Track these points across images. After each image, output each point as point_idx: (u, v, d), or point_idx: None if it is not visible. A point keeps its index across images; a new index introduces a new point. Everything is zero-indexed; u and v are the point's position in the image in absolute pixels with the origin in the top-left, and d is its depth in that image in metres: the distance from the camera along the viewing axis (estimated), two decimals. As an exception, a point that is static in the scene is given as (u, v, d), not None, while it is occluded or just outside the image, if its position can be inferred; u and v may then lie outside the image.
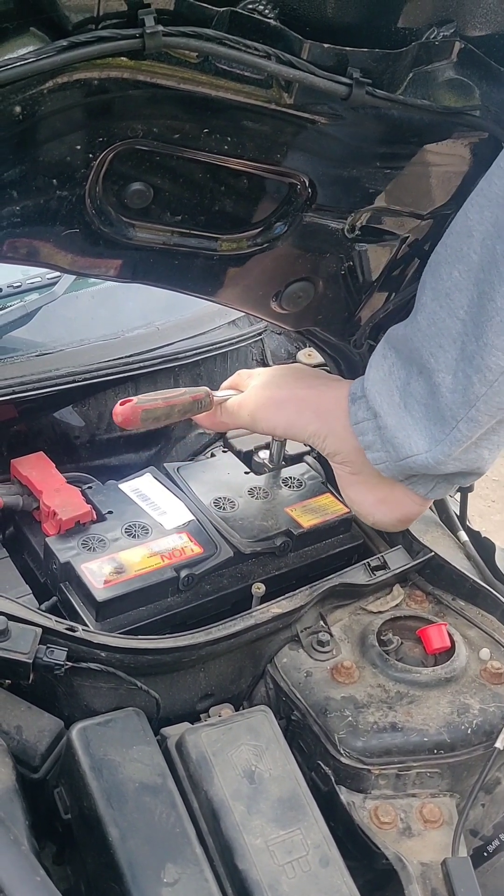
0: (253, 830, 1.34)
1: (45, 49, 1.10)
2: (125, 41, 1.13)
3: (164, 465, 1.95)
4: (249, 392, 1.68)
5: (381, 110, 1.35)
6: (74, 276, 2.05)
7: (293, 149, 1.40)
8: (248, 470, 1.99)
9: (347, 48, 1.27)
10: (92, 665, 1.45)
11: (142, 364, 1.98)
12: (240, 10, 1.18)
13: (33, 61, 1.10)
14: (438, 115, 1.39)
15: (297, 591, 1.69)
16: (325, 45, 1.25)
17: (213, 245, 1.52)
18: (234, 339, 2.16)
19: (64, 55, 1.11)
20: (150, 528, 1.75)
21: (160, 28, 1.12)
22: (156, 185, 1.40)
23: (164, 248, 1.50)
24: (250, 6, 1.19)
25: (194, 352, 2.08)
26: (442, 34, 1.33)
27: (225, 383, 1.80)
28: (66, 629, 1.45)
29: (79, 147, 1.27)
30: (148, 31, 1.12)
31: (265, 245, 1.55)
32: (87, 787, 1.31)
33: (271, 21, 1.20)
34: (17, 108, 1.16)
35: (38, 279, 2.05)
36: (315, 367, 2.33)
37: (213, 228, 1.50)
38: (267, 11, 1.20)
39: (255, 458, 2.01)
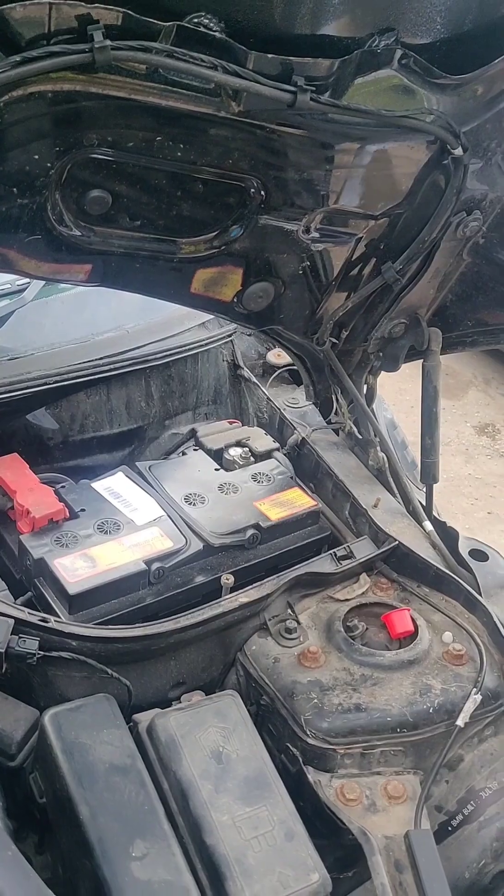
0: (220, 808, 1.40)
1: None
2: (76, 55, 1.19)
3: (136, 463, 2.01)
4: None
5: (327, 115, 1.42)
6: (43, 282, 2.11)
7: (244, 154, 1.46)
8: (218, 467, 2.05)
9: (292, 58, 1.33)
10: (63, 654, 1.50)
11: (112, 366, 2.04)
12: (185, 24, 1.24)
13: None
14: (383, 119, 1.46)
15: (265, 580, 1.74)
16: (270, 56, 1.32)
17: (173, 248, 1.59)
18: (203, 340, 2.23)
19: (18, 69, 1.17)
20: (122, 524, 1.81)
21: (108, 43, 1.19)
22: (114, 192, 1.47)
23: (125, 253, 1.56)
24: (195, 20, 1.26)
25: (164, 354, 2.14)
26: (384, 42, 1.40)
27: None
28: (38, 620, 1.50)
29: (37, 157, 1.34)
30: (97, 45, 1.18)
31: (223, 247, 1.61)
32: (58, 769, 1.36)
33: (216, 34, 1.27)
34: None
35: (8, 285, 2.10)
36: (283, 367, 2.41)
37: (172, 232, 1.57)
38: (212, 25, 1.27)
39: (226, 456, 2.07)
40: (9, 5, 1.13)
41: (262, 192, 1.54)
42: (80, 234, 1.48)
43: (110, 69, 1.24)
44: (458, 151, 1.57)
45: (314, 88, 1.35)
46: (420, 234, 1.74)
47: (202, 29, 1.26)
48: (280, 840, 1.39)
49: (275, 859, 1.37)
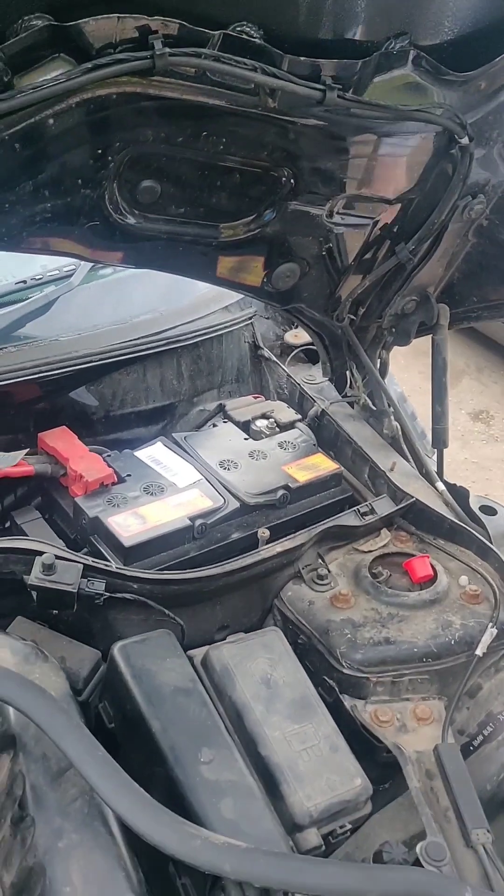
0: (272, 725, 1.58)
1: (73, 71, 1.35)
2: (138, 62, 1.37)
3: (173, 434, 2.18)
4: None
5: (350, 110, 1.60)
6: (89, 268, 2.29)
7: (277, 147, 1.65)
8: (246, 436, 2.22)
9: (320, 59, 1.52)
10: (126, 595, 1.68)
11: (148, 346, 2.22)
12: (230, 33, 1.43)
13: (63, 81, 1.35)
14: (399, 113, 1.64)
15: (298, 532, 1.92)
16: (301, 58, 1.50)
17: (214, 233, 1.77)
18: (227, 322, 2.40)
19: (89, 75, 1.35)
20: (165, 486, 1.99)
21: (167, 50, 1.37)
22: (162, 182, 1.65)
23: (171, 237, 1.74)
24: (238, 29, 1.44)
25: (194, 335, 2.32)
26: (398, 45, 1.59)
27: None
28: (103, 566, 1.68)
29: (100, 152, 1.52)
30: (157, 52, 1.36)
31: (258, 230, 1.80)
32: (129, 692, 1.54)
33: (256, 40, 1.45)
34: (51, 121, 1.40)
35: (56, 272, 2.28)
36: (300, 346, 2.59)
37: (213, 218, 1.75)
38: (252, 32, 1.45)
39: (253, 427, 2.25)
40: (83, 20, 1.31)
41: (292, 181, 1.72)
42: (133, 221, 1.65)
43: (166, 73, 1.42)
44: (465, 141, 1.75)
45: (340, 87, 1.53)
46: (430, 217, 1.92)
47: (244, 36, 1.44)
48: (326, 752, 1.58)
49: (322, 767, 1.55)
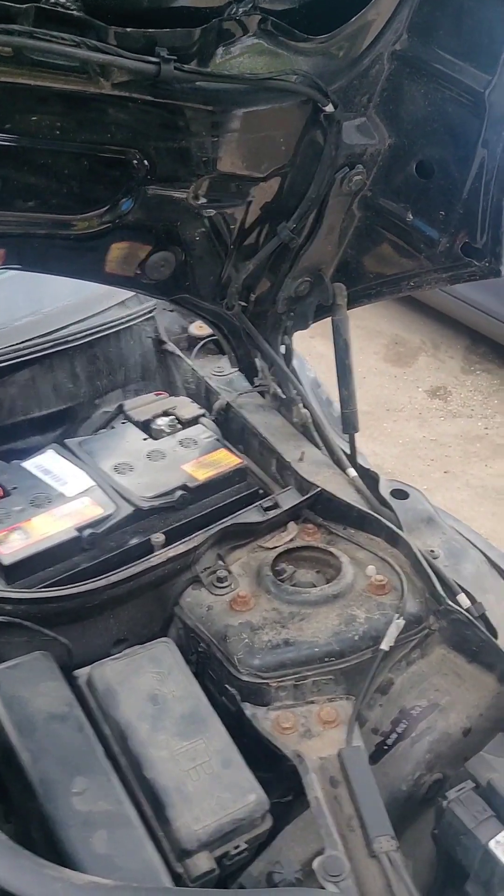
0: (158, 744, 1.48)
1: None
2: None
3: (66, 441, 2.08)
4: None
5: (195, 84, 1.49)
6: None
7: (120, 127, 1.54)
8: (146, 437, 2.12)
9: (151, 30, 1.41)
10: (0, 618, 1.58)
11: (34, 350, 2.11)
12: (43, 5, 1.31)
13: None
14: (249, 83, 1.54)
15: (194, 535, 1.82)
16: (130, 30, 1.39)
17: (67, 226, 1.66)
18: (123, 318, 2.30)
19: None
20: (53, 497, 1.88)
21: None
22: (3, 175, 1.54)
23: (23, 233, 1.63)
24: (52, 1, 1.33)
25: (85, 334, 2.21)
26: (241, 9, 1.48)
27: None
28: (-29, 589, 1.58)
29: None
30: None
31: (116, 221, 1.69)
32: (0, 723, 1.44)
33: (75, 12, 1.34)
34: None
35: None
36: (205, 338, 2.48)
37: (65, 210, 1.64)
38: (69, 4, 1.34)
39: (154, 426, 2.15)
40: None
41: (146, 163, 1.62)
42: (-28, 218, 1.55)
43: None
44: (330, 108, 1.66)
45: (176, 58, 1.42)
46: (308, 192, 1.82)
47: (60, 9, 1.33)
48: (217, 768, 1.48)
49: (213, 785, 1.46)
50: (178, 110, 1.55)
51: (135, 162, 1.61)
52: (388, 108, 1.78)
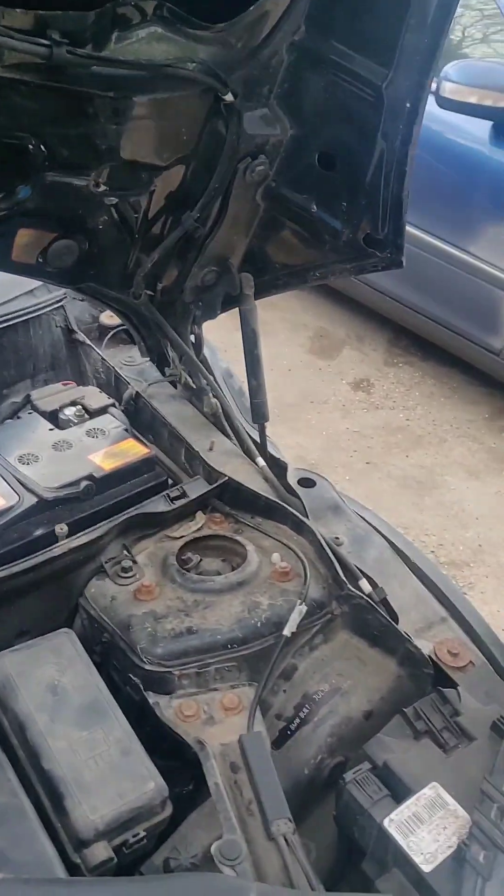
0: (57, 734, 1.47)
1: None
2: None
3: (-34, 433, 2.04)
4: None
5: (90, 68, 1.48)
6: None
7: (14, 113, 1.51)
8: (52, 427, 2.10)
9: (42, 11, 1.39)
10: None
11: None
12: None
13: None
14: (145, 69, 1.53)
15: (98, 525, 1.81)
16: (19, 10, 1.37)
17: (-42, 216, 1.62)
18: (30, 308, 2.27)
19: None
20: (-48, 490, 1.85)
21: None
22: None
23: None
24: None
25: (-11, 324, 2.18)
26: None
27: None
28: None
29: None
30: None
31: (14, 208, 1.66)
32: None
33: None
34: None
35: None
36: (115, 327, 2.47)
37: None
38: None
39: (61, 416, 2.13)
40: None
41: (43, 149, 1.59)
42: None
43: None
44: (229, 97, 1.66)
45: (68, 42, 1.41)
46: (211, 182, 1.82)
47: None
48: (116, 757, 1.48)
49: (112, 774, 1.45)
50: (77, 96, 1.53)
51: (30, 147, 1.58)
52: (289, 100, 1.79)
